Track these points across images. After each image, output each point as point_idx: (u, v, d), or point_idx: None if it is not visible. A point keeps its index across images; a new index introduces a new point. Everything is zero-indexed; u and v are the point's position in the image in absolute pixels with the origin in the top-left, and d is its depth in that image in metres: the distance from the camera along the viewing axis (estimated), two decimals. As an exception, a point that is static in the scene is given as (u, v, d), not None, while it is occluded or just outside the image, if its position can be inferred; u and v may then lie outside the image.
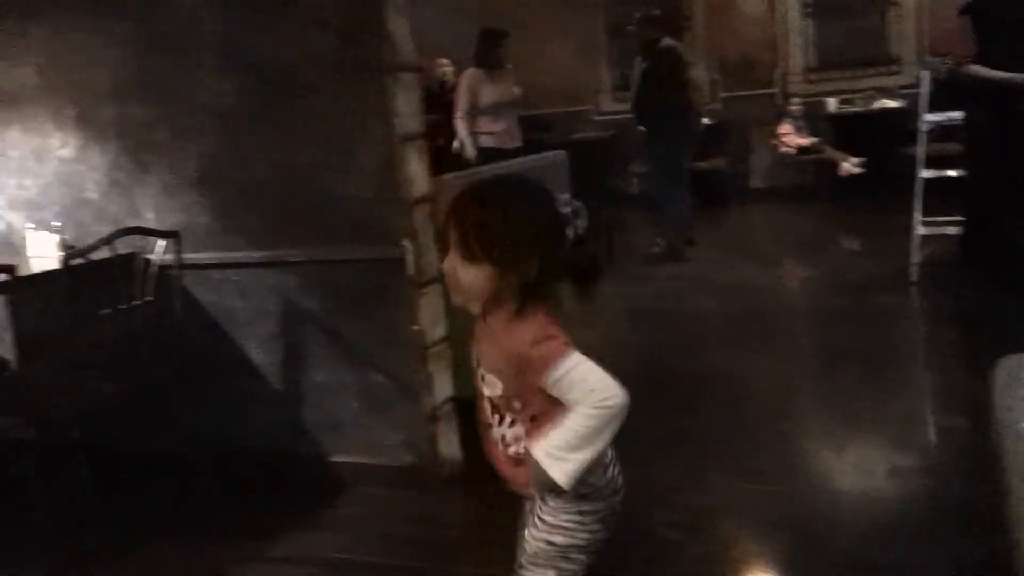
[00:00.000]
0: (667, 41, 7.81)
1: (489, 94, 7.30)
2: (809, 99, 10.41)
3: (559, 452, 1.86)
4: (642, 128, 8.14)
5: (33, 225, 4.12)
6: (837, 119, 10.25)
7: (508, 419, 2.05)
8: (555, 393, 1.89)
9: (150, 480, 4.03)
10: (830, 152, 9.86)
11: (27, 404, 3.28)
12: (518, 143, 7.45)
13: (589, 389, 1.86)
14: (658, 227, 8.22)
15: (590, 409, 1.85)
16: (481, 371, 2.05)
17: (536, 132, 10.19)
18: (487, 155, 7.08)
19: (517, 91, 7.54)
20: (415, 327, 3.61)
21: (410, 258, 3.55)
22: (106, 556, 3.37)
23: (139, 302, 3.50)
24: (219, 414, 3.99)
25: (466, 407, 3.84)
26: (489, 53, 7.33)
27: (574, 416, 1.86)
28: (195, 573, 3.24)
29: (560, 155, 5.10)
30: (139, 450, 4.06)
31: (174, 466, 3.91)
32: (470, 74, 7.36)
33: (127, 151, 3.98)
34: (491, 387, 2.03)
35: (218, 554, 3.38)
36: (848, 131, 10.05)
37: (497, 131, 7.33)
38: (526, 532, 2.16)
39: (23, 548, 3.54)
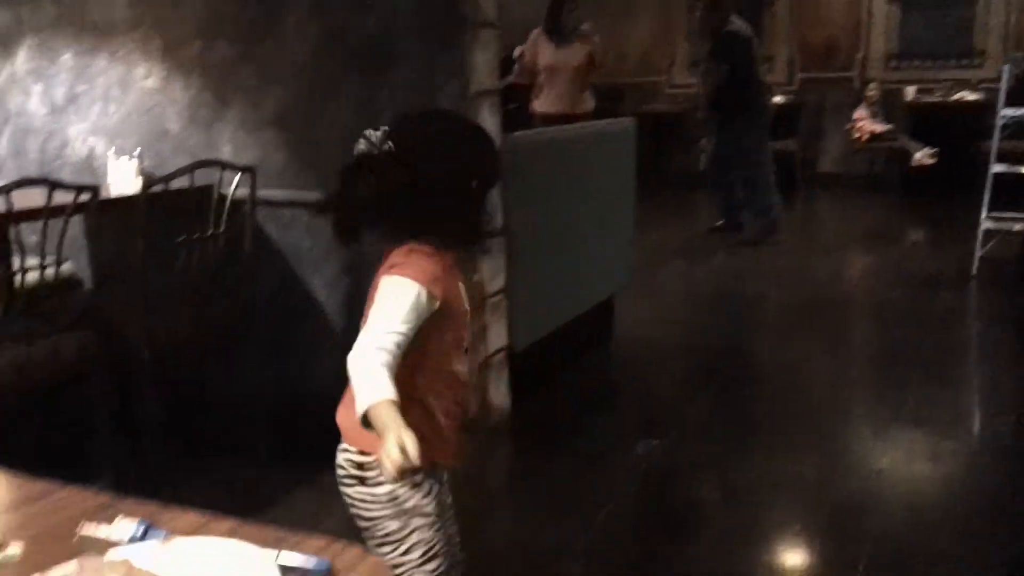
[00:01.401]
0: (735, 24, 7.61)
1: (545, 58, 7.23)
2: (887, 86, 10.29)
3: None
4: (712, 112, 7.97)
5: (114, 152, 4.26)
6: (914, 108, 10.12)
7: None
8: None
9: (214, 407, 4.17)
10: (903, 141, 9.76)
11: (100, 323, 3.42)
12: (579, 110, 7.27)
13: None
14: (717, 206, 8.19)
15: None
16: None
17: (609, 102, 10.23)
18: (541, 120, 7.07)
19: (577, 60, 7.23)
20: (475, 277, 3.70)
21: (475, 210, 3.64)
22: (169, 474, 3.51)
23: (212, 233, 3.62)
24: (283, 348, 4.11)
25: (517, 358, 3.96)
26: (552, 18, 7.22)
27: None
28: (251, 495, 3.37)
29: (628, 122, 5.14)
30: (206, 377, 4.21)
31: (238, 395, 4.05)
32: (532, 36, 7.31)
33: (210, 87, 4.10)
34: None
35: (273, 479, 3.51)
36: (924, 121, 9.92)
37: (549, 96, 7.26)
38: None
39: (92, 461, 3.72)
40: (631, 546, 3.07)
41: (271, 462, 3.69)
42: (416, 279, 1.72)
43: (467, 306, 1.89)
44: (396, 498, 1.83)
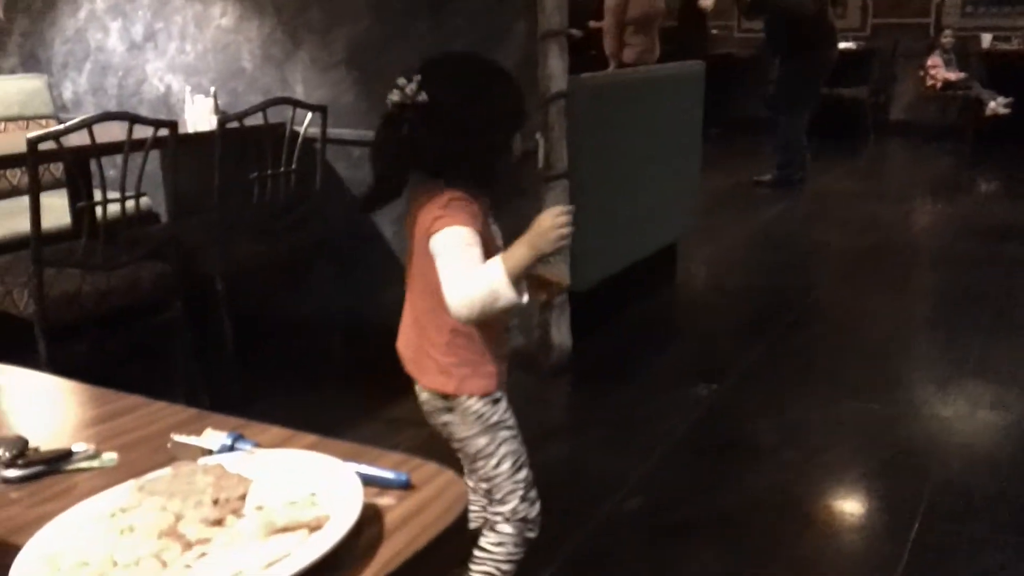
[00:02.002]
0: None
1: (636, 6, 7.16)
2: (963, 33, 10.05)
3: None
4: (773, 55, 7.91)
5: (190, 89, 4.35)
6: (989, 56, 9.90)
7: None
8: None
9: (282, 338, 4.29)
10: (977, 89, 9.57)
11: (176, 255, 3.52)
12: (655, 58, 7.28)
13: None
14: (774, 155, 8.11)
15: None
16: None
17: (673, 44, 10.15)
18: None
19: (661, 5, 7.29)
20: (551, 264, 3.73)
21: (541, 152, 3.67)
22: (237, 400, 3.63)
23: (284, 170, 3.70)
24: (349, 283, 4.20)
25: (579, 298, 4.00)
26: None
27: None
28: (314, 424, 3.45)
29: (698, 65, 5.10)
30: (276, 309, 4.32)
31: (305, 328, 4.15)
32: None
33: (282, 26, 4.16)
34: None
35: (341, 410, 3.60)
36: (999, 70, 9.71)
37: (639, 45, 7.21)
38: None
39: (166, 384, 3.85)
40: (687, 480, 3.12)
41: (338, 394, 3.79)
42: (463, 223, 1.82)
43: (499, 243, 1.96)
44: (481, 416, 1.98)
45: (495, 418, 1.99)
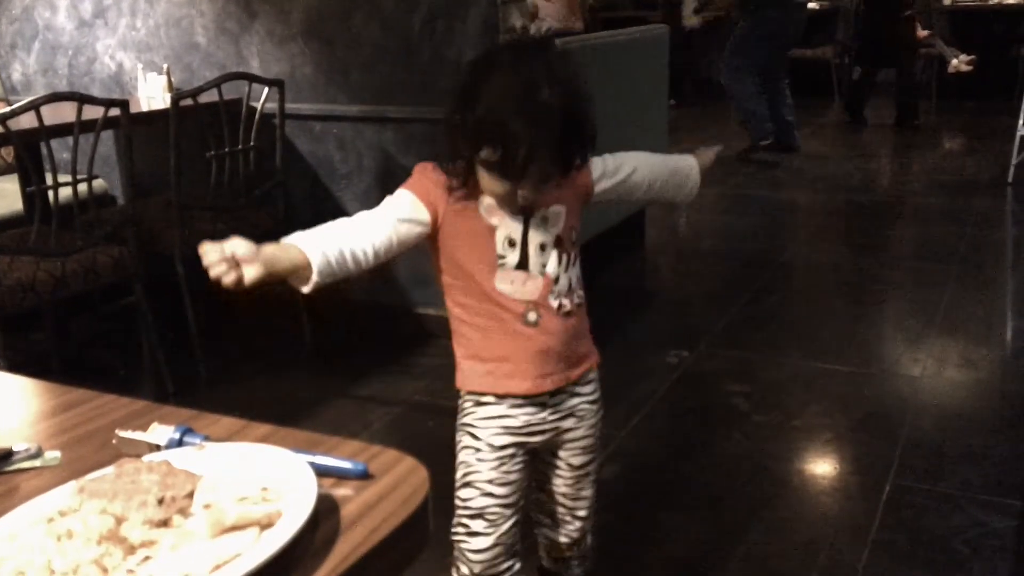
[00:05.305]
0: None
1: None
2: (925, -11, 10.03)
3: None
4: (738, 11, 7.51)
5: (142, 66, 4.25)
6: (952, 13, 9.91)
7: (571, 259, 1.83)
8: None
9: (248, 318, 4.22)
10: (940, 47, 9.54)
11: (134, 238, 3.45)
12: (581, 25, 7.00)
13: None
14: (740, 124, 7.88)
15: None
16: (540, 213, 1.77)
17: (642, 10, 10.11)
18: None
19: None
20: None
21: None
22: (207, 383, 3.59)
23: (242, 147, 3.63)
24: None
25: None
26: None
27: None
28: (288, 405, 3.42)
29: (661, 29, 5.06)
30: (240, 291, 4.25)
31: (271, 307, 4.09)
32: None
33: (236, -1, 4.08)
34: (553, 226, 1.79)
35: (311, 389, 3.56)
36: (962, 26, 9.75)
37: (552, 10, 6.94)
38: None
39: (131, 371, 3.79)
40: (664, 447, 3.11)
41: (306, 374, 3.74)
42: (409, 187, 1.74)
43: (492, 222, 1.74)
44: (462, 409, 1.84)
45: (466, 419, 1.82)
